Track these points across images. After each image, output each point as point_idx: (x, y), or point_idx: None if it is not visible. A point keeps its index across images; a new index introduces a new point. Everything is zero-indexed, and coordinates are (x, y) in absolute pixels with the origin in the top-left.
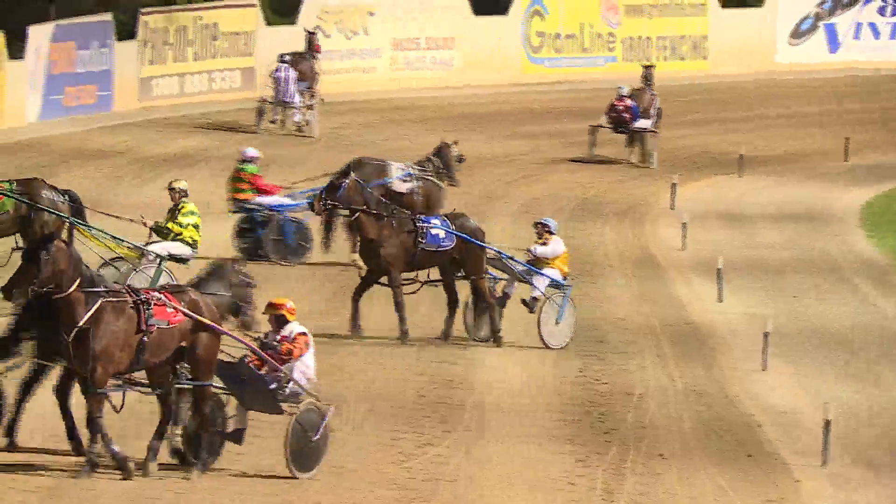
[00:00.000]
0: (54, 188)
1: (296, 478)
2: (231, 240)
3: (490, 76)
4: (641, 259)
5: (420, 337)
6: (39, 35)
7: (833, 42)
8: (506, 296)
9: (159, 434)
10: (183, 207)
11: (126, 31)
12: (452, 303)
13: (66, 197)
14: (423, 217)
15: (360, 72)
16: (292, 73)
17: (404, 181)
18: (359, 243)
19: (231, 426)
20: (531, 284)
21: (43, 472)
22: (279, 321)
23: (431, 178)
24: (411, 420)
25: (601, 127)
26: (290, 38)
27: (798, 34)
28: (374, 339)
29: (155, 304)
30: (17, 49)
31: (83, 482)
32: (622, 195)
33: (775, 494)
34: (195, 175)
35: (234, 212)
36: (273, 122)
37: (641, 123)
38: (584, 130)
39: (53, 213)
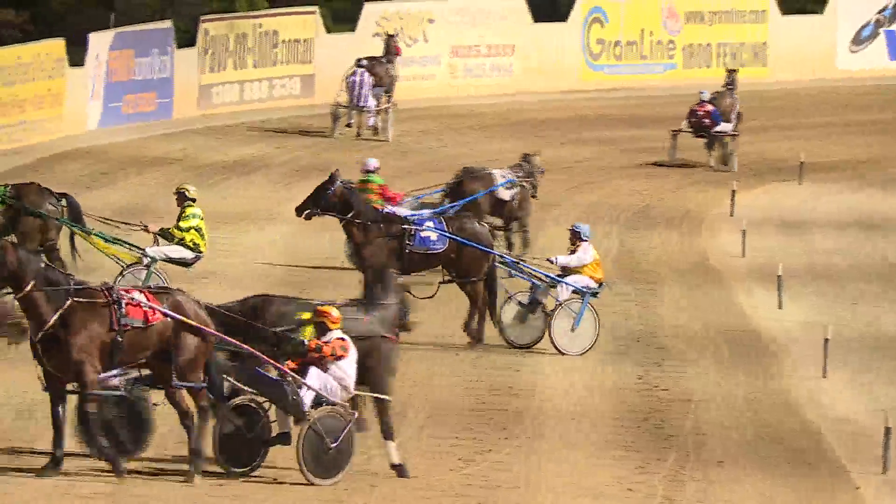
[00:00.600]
0: (51, 193)
1: (313, 484)
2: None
3: (549, 83)
4: (700, 266)
5: (450, 343)
6: (100, 42)
7: (893, 48)
8: (537, 302)
9: (191, 435)
10: (185, 212)
11: (186, 39)
12: (483, 304)
13: (64, 201)
14: (416, 220)
15: (420, 79)
16: (367, 78)
17: (507, 189)
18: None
19: (274, 430)
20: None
21: (99, 477)
22: (321, 329)
23: (525, 184)
24: (470, 427)
25: (681, 131)
26: (349, 45)
27: (859, 41)
28: (431, 346)
29: (128, 304)
30: (77, 56)
31: (140, 486)
32: (680, 202)
33: (835, 502)
34: (254, 182)
35: None
36: (348, 125)
37: (722, 127)
38: (641, 137)
39: (41, 216)
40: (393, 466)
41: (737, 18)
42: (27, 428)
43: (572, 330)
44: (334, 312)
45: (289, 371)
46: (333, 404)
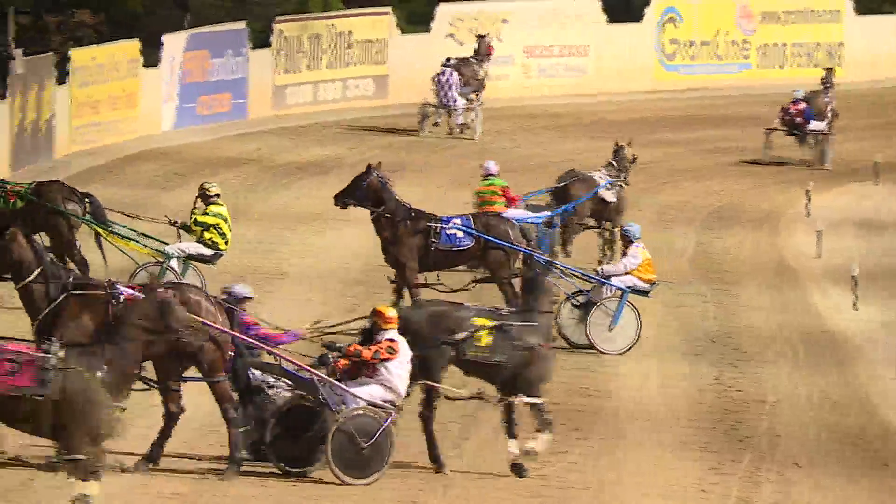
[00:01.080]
0: (73, 192)
1: (344, 483)
2: None
3: (623, 84)
4: (776, 267)
5: None
6: (174, 43)
7: None
8: (591, 302)
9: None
10: (207, 209)
11: (260, 40)
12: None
13: (87, 201)
14: (443, 217)
15: (493, 79)
16: (455, 77)
17: (609, 189)
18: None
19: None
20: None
21: (178, 477)
22: (375, 329)
23: (621, 183)
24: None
25: (774, 129)
26: (422, 46)
27: None
28: None
29: (129, 300)
30: (152, 57)
31: (219, 486)
32: (756, 203)
33: None
34: (327, 182)
35: None
36: (436, 124)
37: (815, 126)
38: (716, 137)
39: (61, 213)
40: (514, 465)
41: (812, 18)
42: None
43: (609, 329)
44: (388, 313)
45: (311, 370)
46: (373, 405)
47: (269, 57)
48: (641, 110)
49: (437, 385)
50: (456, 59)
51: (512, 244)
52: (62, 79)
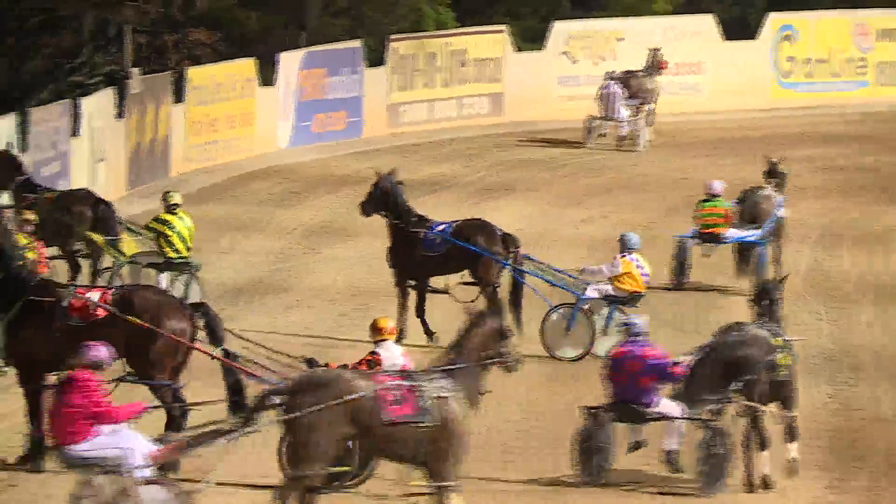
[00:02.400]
0: (87, 200)
1: None
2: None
3: (739, 101)
4: (892, 286)
5: None
6: (290, 62)
7: None
8: (589, 313)
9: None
10: (160, 216)
11: (376, 58)
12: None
13: (101, 208)
14: (434, 223)
15: (595, 99)
16: (618, 90)
17: (783, 206)
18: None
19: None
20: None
21: None
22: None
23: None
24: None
25: None
26: (537, 64)
27: None
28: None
29: (72, 303)
30: (268, 76)
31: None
32: (872, 221)
33: None
34: (442, 200)
35: (704, 242)
36: (602, 135)
37: None
38: (833, 155)
39: (65, 221)
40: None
41: None
42: None
43: (565, 334)
44: (381, 324)
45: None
46: None
47: (385, 75)
48: (758, 128)
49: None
50: (624, 71)
51: (485, 251)
52: (179, 97)
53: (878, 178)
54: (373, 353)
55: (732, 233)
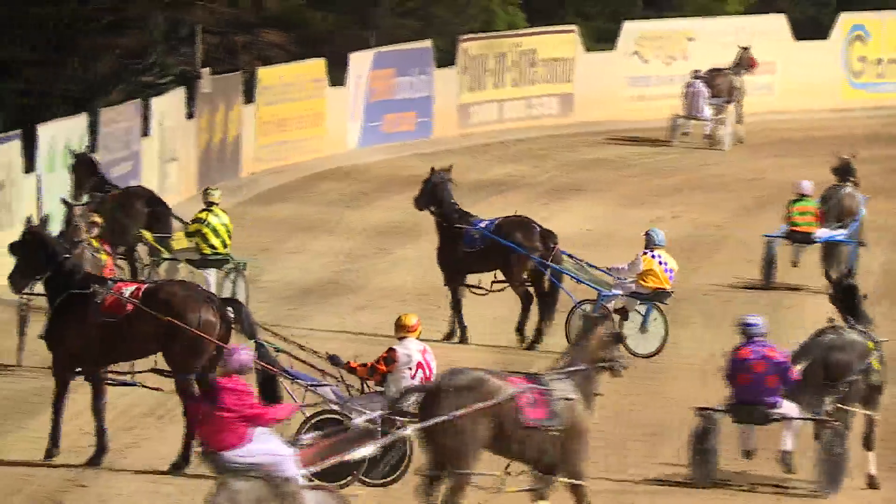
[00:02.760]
0: (145, 198)
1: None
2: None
3: (810, 101)
4: None
5: None
6: (360, 62)
7: None
8: (624, 312)
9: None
10: (198, 215)
11: (445, 58)
12: (525, 308)
13: (156, 205)
14: (474, 221)
15: (679, 97)
16: (703, 88)
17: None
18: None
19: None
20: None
21: None
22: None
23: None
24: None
25: None
26: (607, 64)
27: None
28: (688, 363)
29: (106, 298)
30: (338, 76)
31: None
32: None
33: None
34: (512, 201)
35: (795, 242)
36: (685, 134)
37: None
38: None
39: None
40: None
41: None
42: None
43: (641, 332)
44: (404, 321)
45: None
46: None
47: (455, 76)
48: (829, 129)
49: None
50: (711, 69)
51: (521, 248)
52: (249, 98)
53: None
54: (390, 349)
55: (822, 232)
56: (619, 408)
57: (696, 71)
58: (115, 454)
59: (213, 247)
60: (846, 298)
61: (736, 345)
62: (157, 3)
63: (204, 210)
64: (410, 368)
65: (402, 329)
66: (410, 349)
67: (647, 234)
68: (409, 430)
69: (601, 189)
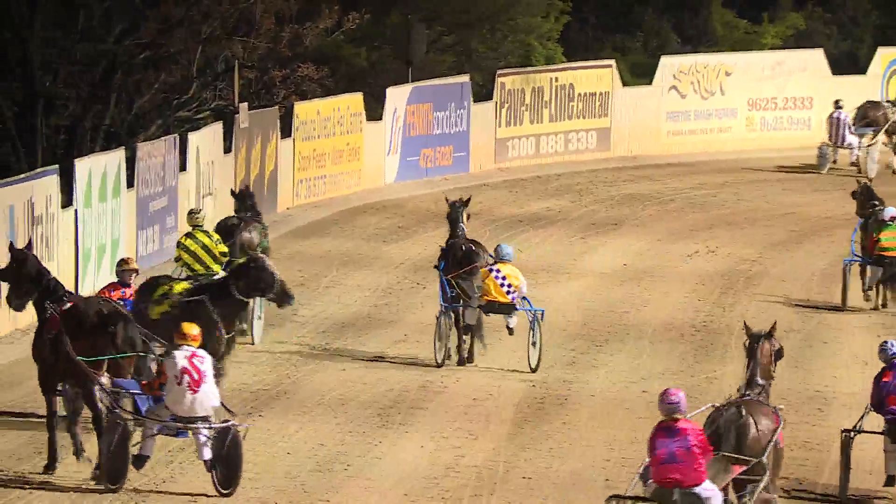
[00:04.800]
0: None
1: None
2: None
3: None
4: None
5: None
6: (397, 97)
7: None
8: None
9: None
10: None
11: (483, 93)
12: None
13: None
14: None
15: (717, 132)
16: (844, 116)
17: None
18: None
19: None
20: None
21: None
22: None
23: None
24: None
25: None
26: (645, 98)
27: None
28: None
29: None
30: (375, 111)
31: None
32: None
33: None
34: (551, 235)
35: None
36: (834, 162)
37: None
38: None
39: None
40: None
41: None
42: (326, 479)
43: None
44: (184, 329)
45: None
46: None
47: (492, 110)
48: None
49: None
50: (867, 101)
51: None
52: (286, 132)
53: None
54: (160, 363)
55: None
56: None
57: (838, 101)
58: (152, 487)
59: (198, 268)
60: None
61: (879, 371)
62: (196, 39)
63: (185, 236)
64: (177, 376)
65: (179, 337)
66: (177, 358)
67: (495, 248)
68: None
69: (639, 224)
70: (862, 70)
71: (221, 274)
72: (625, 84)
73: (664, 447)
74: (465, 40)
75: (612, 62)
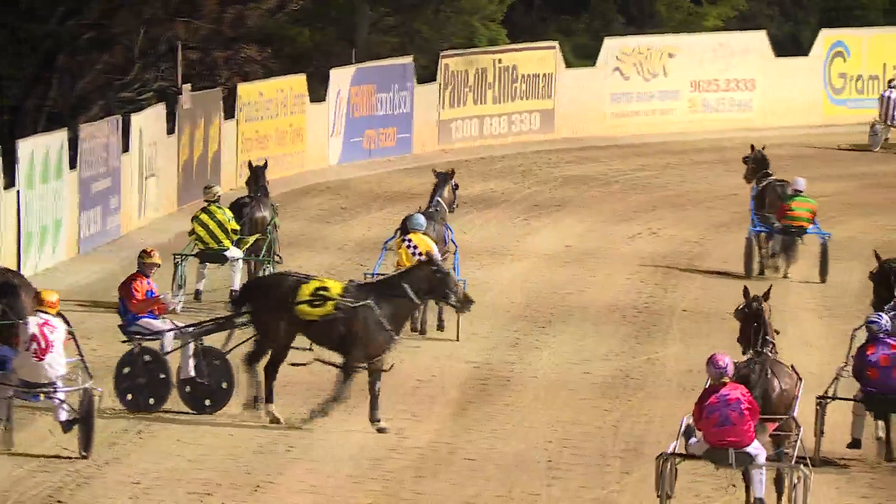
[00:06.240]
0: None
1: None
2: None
3: (790, 118)
4: None
5: None
6: (340, 78)
7: None
8: None
9: None
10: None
11: (426, 74)
12: None
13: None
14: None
15: (660, 113)
16: (894, 95)
17: None
18: None
19: None
20: None
21: None
22: None
23: None
24: None
25: None
26: (588, 80)
27: None
28: (666, 379)
29: None
30: (318, 92)
31: None
32: None
33: None
34: (494, 217)
35: (790, 236)
36: (886, 139)
37: None
38: (885, 172)
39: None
40: None
41: None
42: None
43: None
44: (43, 295)
45: None
46: None
47: (435, 91)
48: (810, 145)
49: None
50: None
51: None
52: (230, 114)
53: None
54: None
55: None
56: (599, 423)
57: (891, 80)
58: (95, 469)
59: (208, 242)
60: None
61: (863, 343)
62: (138, 20)
63: (201, 210)
64: (26, 342)
65: (38, 303)
66: (30, 324)
67: (406, 219)
68: None
69: (582, 205)
70: (804, 52)
71: (381, 274)
72: (568, 66)
73: (717, 411)
74: (408, 21)
75: (556, 44)
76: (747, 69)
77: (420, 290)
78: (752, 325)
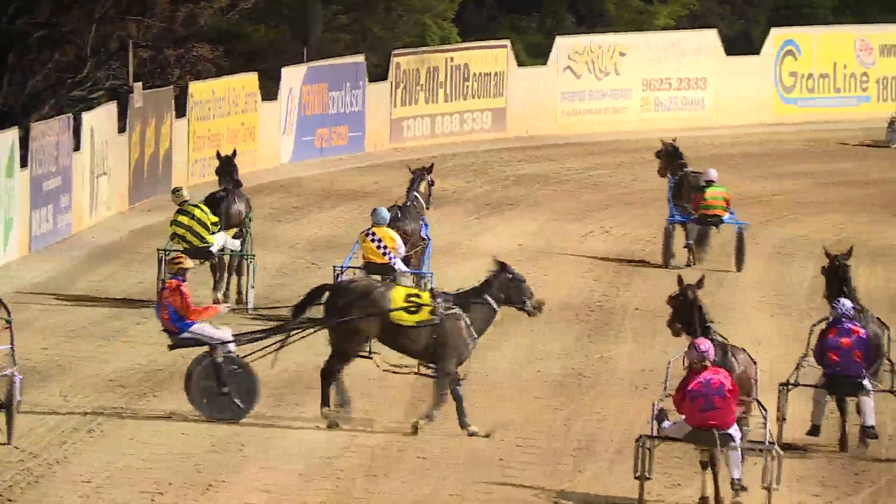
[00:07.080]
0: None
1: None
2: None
3: (741, 117)
4: (891, 300)
5: None
6: (292, 77)
7: None
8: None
9: None
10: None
11: (378, 73)
12: None
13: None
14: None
15: (612, 112)
16: None
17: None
18: None
19: None
20: None
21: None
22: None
23: None
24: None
25: None
26: (540, 79)
27: None
28: (619, 378)
29: None
30: (270, 91)
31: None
32: (874, 236)
33: None
34: (447, 216)
35: (707, 226)
36: None
37: None
38: (835, 171)
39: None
40: None
41: None
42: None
43: None
44: None
45: None
46: None
47: (387, 90)
48: (761, 143)
49: None
50: None
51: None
52: (181, 112)
53: (880, 194)
54: None
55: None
56: (551, 422)
57: None
58: (45, 468)
59: (192, 241)
60: (839, 276)
61: (825, 327)
62: (90, 18)
63: (176, 213)
64: None
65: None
66: None
67: (371, 213)
68: None
69: (534, 204)
70: (756, 51)
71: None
72: (520, 64)
73: (702, 396)
74: (360, 20)
75: (508, 42)
76: (699, 68)
77: (499, 297)
78: (691, 311)
